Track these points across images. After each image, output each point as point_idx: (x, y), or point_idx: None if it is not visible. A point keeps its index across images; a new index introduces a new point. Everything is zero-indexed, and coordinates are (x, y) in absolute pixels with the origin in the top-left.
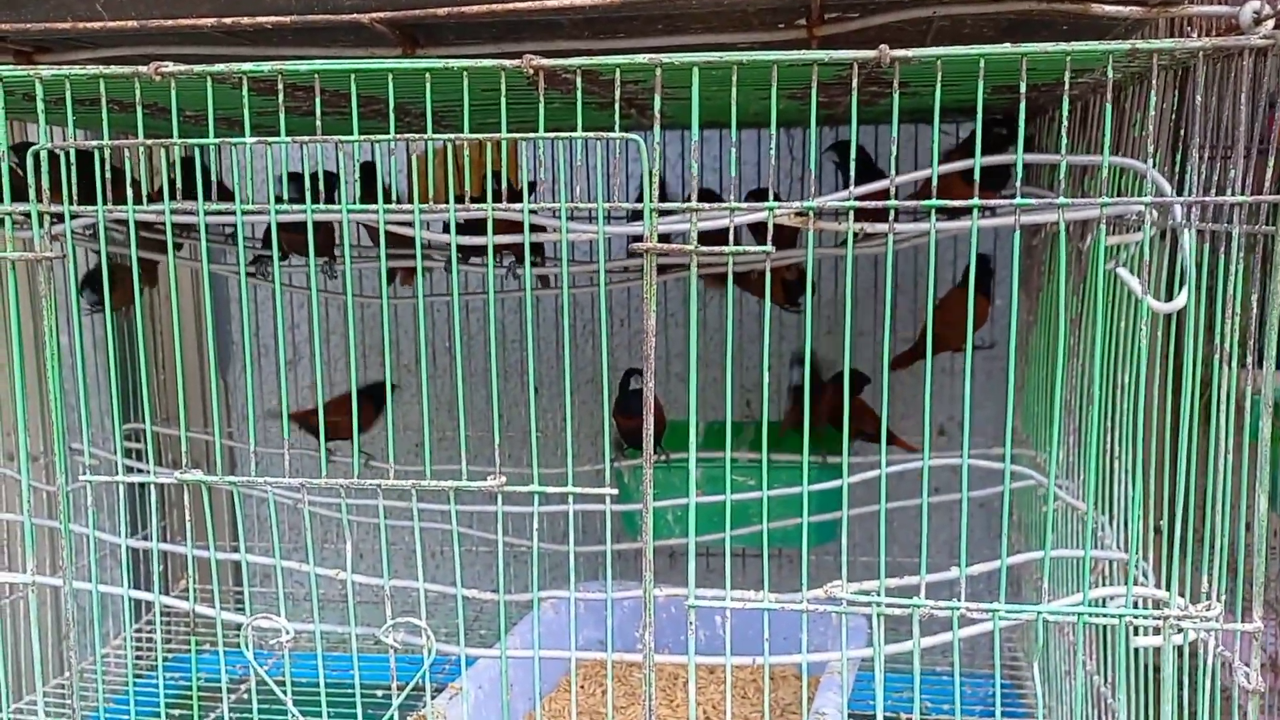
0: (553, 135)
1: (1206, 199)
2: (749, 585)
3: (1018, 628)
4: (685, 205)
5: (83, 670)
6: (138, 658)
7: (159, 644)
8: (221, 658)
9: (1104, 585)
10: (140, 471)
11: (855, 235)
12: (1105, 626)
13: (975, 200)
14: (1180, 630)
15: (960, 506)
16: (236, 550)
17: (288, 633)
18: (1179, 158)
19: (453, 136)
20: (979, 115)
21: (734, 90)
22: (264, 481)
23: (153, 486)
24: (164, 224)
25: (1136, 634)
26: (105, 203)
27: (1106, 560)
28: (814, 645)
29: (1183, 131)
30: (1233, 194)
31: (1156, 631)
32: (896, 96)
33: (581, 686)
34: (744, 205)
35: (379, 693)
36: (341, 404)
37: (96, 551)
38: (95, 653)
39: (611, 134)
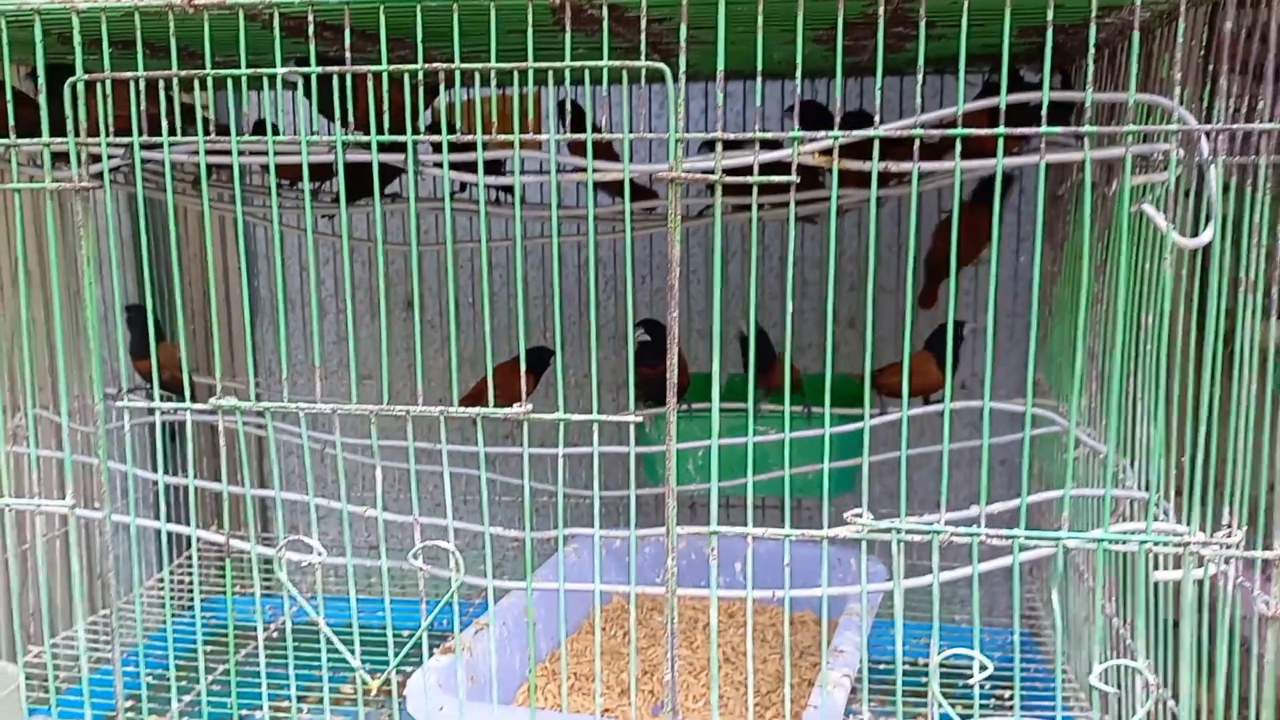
0: (579, 64)
1: (1234, 126)
2: None
3: (1036, 581)
4: (710, 135)
5: (120, 608)
6: (173, 598)
7: (195, 580)
8: (257, 594)
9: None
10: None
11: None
12: (1125, 567)
13: (1000, 129)
14: (1200, 562)
15: (979, 456)
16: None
17: (320, 553)
18: (1208, 93)
19: (480, 66)
20: (1005, 52)
21: (759, 21)
22: (296, 406)
23: (189, 418)
24: (192, 164)
25: (1156, 568)
26: (140, 134)
27: (1127, 501)
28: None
29: (1210, 67)
30: (1260, 123)
31: (1177, 565)
32: (923, 34)
33: (603, 629)
34: (768, 134)
35: (405, 632)
36: (506, 371)
37: (135, 488)
38: (134, 589)
39: (637, 62)
